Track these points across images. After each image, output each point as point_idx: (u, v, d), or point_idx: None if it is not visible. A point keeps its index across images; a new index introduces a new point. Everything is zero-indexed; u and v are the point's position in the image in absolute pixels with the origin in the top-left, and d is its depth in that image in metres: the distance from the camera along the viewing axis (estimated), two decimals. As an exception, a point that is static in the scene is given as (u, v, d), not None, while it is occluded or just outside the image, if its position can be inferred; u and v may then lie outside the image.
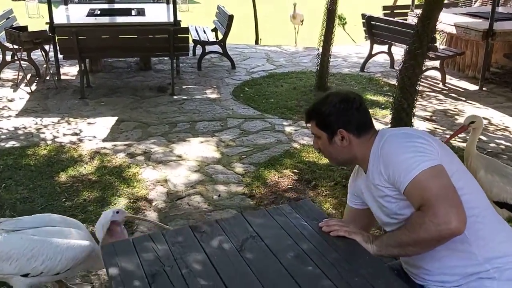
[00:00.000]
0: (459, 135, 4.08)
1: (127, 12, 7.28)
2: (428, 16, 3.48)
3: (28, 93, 6.15)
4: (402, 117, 3.70)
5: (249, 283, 1.54)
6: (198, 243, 1.74)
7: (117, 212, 2.38)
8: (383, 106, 5.76)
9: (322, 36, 6.10)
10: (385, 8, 8.18)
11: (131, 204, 3.58)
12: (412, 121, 3.88)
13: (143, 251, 1.68)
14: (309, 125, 1.86)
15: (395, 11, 8.27)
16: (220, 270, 1.59)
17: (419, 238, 1.57)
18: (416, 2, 8.45)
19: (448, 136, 4.27)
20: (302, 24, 10.41)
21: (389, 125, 4.12)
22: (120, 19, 7.02)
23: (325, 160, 4.33)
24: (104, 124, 5.19)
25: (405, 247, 1.65)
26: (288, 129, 5.14)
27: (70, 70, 7.17)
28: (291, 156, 4.44)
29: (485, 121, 5.40)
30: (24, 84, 6.44)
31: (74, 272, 2.43)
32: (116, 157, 4.37)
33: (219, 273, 1.58)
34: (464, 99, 6.21)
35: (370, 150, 1.75)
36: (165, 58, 7.87)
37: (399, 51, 6.81)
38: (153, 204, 3.63)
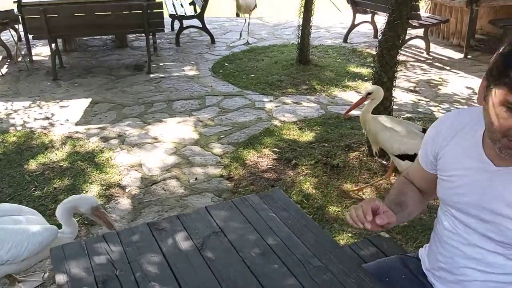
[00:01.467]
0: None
1: (99, -12, 6.95)
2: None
3: (-2, 76, 5.90)
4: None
5: (208, 287, 1.42)
6: (155, 242, 1.60)
7: (95, 209, 2.36)
8: (366, 78, 5.60)
9: (302, 7, 5.87)
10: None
11: (104, 191, 3.44)
12: (393, 95, 3.73)
13: (94, 254, 1.54)
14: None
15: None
16: (178, 272, 1.46)
17: None
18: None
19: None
20: (253, 9, 7.20)
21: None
22: (91, -5, 6.70)
23: (306, 137, 4.20)
24: (77, 106, 4.99)
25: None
26: (268, 105, 4.98)
27: (42, 50, 6.89)
28: (271, 134, 4.30)
29: (469, 91, 5.31)
30: (-5, 66, 6.19)
31: (39, 259, 2.35)
32: (89, 141, 4.20)
33: (176, 276, 1.45)
34: (448, 68, 6.08)
35: None
36: (142, 35, 7.61)
37: (383, 20, 6.60)
38: (127, 190, 3.48)
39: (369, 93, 3.17)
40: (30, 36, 6.06)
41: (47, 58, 6.56)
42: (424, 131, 3.01)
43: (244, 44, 7.13)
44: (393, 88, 3.61)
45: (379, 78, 3.44)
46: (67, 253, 1.56)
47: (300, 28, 5.94)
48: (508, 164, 1.27)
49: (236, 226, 1.69)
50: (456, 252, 1.40)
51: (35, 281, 2.64)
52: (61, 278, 1.45)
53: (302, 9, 5.87)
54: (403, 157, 3.01)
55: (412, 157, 2.92)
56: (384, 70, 3.41)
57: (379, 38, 3.68)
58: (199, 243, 1.60)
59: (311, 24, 5.94)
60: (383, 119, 3.22)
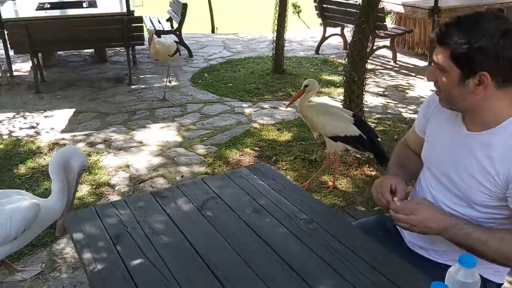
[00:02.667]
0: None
1: (78, 5, 7.14)
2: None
3: (-21, 90, 5.98)
4: (354, 89, 3.85)
5: (211, 236, 1.62)
6: (159, 206, 1.80)
7: (84, 170, 2.47)
8: (338, 85, 5.92)
9: (276, 22, 6.20)
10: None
11: (94, 190, 3.59)
12: (364, 93, 4.03)
13: (106, 217, 1.73)
14: (438, 49, 1.38)
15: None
16: (182, 227, 1.66)
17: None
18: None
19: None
20: (174, 55, 5.61)
21: (342, 99, 4.27)
22: (71, 12, 6.88)
23: (285, 137, 4.45)
24: (62, 116, 5.12)
25: (478, 253, 1.37)
26: (247, 110, 5.22)
27: (22, 67, 7.00)
28: (252, 135, 4.54)
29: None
30: (-25, 82, 6.26)
31: (35, 234, 2.39)
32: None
33: (181, 230, 1.65)
34: (414, 74, 6.46)
35: (504, 110, 1.39)
36: (121, 50, 7.81)
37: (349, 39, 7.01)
38: (116, 188, 3.64)
39: (306, 86, 3.45)
40: (11, 51, 6.17)
41: (27, 73, 6.67)
42: (354, 116, 3.41)
43: (160, 100, 5.53)
44: (364, 93, 3.89)
45: (351, 77, 3.74)
46: (80, 217, 1.74)
47: (275, 40, 6.25)
48: (478, 130, 1.46)
49: (230, 191, 1.90)
50: None
51: (34, 270, 2.76)
52: (78, 236, 1.63)
53: (276, 22, 6.19)
54: (335, 138, 3.34)
55: (342, 138, 3.30)
56: (355, 70, 3.71)
57: (348, 47, 3.98)
58: (199, 205, 1.80)
59: (284, 36, 6.26)
60: (318, 106, 3.55)
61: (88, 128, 4.82)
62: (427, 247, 1.63)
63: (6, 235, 2.19)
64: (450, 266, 1.19)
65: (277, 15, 6.17)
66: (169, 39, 5.83)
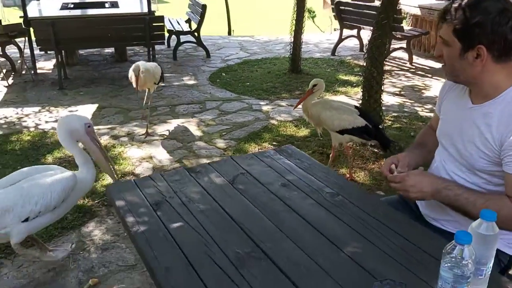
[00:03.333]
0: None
1: (100, 5, 7.35)
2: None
3: (5, 86, 6.17)
4: (373, 85, 3.95)
5: (244, 205, 1.73)
6: (194, 180, 1.92)
7: (88, 126, 2.47)
8: (354, 84, 6.02)
9: (294, 22, 6.34)
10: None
11: (120, 179, 3.72)
12: (382, 88, 4.12)
13: (145, 188, 1.85)
14: (443, 26, 1.55)
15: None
16: (216, 197, 1.78)
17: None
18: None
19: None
20: (159, 82, 4.81)
21: (361, 97, 4.36)
22: (94, 12, 7.09)
23: (302, 133, 4.56)
24: (85, 111, 5.28)
25: (469, 214, 1.51)
26: (265, 108, 5.34)
27: (45, 65, 7.21)
28: (270, 131, 4.65)
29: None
30: (0, 78, 6.46)
31: (71, 204, 2.50)
32: (100, 139, 4.48)
33: (215, 200, 1.76)
34: (430, 75, 6.54)
35: (502, 83, 1.53)
36: (141, 51, 8.00)
37: (368, 35, 7.10)
38: (141, 177, 3.77)
39: (314, 85, 3.56)
40: (36, 50, 6.38)
41: (50, 71, 6.87)
42: (357, 108, 3.55)
43: (142, 135, 4.58)
44: (382, 83, 3.99)
45: (370, 73, 3.84)
46: (121, 188, 1.86)
47: (292, 40, 6.38)
48: (480, 102, 1.61)
49: (258, 169, 2.01)
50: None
51: (64, 250, 2.89)
52: (120, 203, 1.75)
53: (294, 22, 6.32)
54: (343, 132, 3.46)
55: (350, 131, 3.42)
56: (374, 66, 3.81)
57: (365, 48, 4.08)
58: (230, 180, 1.92)
59: (302, 39, 6.40)
60: (322, 102, 3.65)
61: (111, 122, 4.97)
62: (438, 217, 1.75)
63: (47, 205, 2.32)
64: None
65: (295, 15, 6.30)
66: (152, 63, 4.84)
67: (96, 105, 5.46)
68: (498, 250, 1.61)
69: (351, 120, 3.44)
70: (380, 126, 3.65)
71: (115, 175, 2.85)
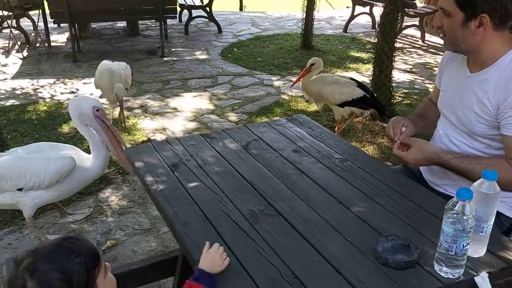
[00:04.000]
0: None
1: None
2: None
3: (20, 58, 6.27)
4: (384, 60, 3.98)
5: (257, 168, 1.81)
6: (209, 144, 2.00)
7: (97, 110, 2.42)
8: (366, 61, 6.03)
9: (305, 2, 6.32)
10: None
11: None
12: (393, 64, 4.15)
13: (162, 151, 1.94)
14: None
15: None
16: (231, 161, 1.86)
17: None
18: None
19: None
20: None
21: (372, 70, 4.40)
22: (107, -15, 7.11)
23: (313, 107, 4.61)
24: (99, 83, 5.36)
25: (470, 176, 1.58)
26: (276, 83, 5.39)
27: (59, 38, 7.29)
28: (281, 105, 4.71)
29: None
30: (15, 50, 6.56)
31: (74, 188, 2.55)
32: (115, 110, 4.58)
33: (230, 163, 1.85)
34: (442, 53, 6.49)
35: (499, 50, 1.58)
36: (152, 25, 8.04)
37: (380, 12, 7.07)
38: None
39: (312, 64, 3.65)
40: (51, 22, 6.44)
41: (63, 44, 6.95)
42: (352, 79, 3.71)
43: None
44: (393, 58, 4.02)
45: (381, 47, 3.86)
46: (139, 150, 1.96)
47: (304, 16, 6.37)
48: (478, 70, 1.66)
49: (271, 135, 2.09)
50: (441, 146, 1.81)
51: (82, 213, 3.01)
52: (139, 164, 1.84)
53: (306, 4, 6.31)
54: (343, 104, 3.59)
55: (350, 103, 3.57)
56: (385, 40, 3.84)
57: (377, 24, 4.10)
58: (244, 145, 2.00)
59: (314, 16, 6.38)
60: (320, 78, 3.74)
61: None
62: (440, 183, 1.83)
63: (40, 183, 2.40)
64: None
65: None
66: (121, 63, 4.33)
67: (109, 78, 5.53)
68: (500, 213, 1.69)
69: (350, 92, 3.58)
70: (375, 95, 3.81)
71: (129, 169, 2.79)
